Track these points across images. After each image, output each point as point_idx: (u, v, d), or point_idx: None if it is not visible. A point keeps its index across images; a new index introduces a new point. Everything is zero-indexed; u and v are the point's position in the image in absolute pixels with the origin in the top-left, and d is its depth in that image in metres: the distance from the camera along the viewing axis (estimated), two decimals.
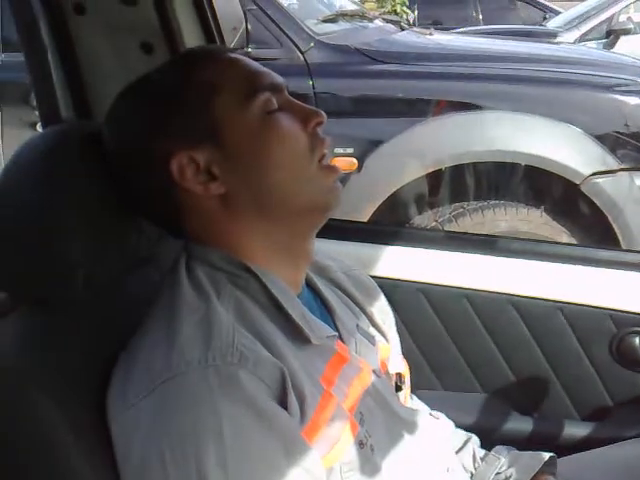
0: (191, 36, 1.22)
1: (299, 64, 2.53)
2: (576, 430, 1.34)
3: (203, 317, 0.73)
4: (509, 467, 1.03)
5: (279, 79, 0.83)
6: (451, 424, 1.08)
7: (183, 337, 0.72)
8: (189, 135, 0.79)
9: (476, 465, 1.04)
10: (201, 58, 0.84)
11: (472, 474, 1.03)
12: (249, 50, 2.33)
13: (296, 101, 0.82)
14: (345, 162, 2.37)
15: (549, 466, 1.04)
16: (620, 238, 2.38)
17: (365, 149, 2.46)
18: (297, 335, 0.78)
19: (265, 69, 0.83)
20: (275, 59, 2.48)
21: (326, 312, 0.87)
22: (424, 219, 2.52)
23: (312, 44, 2.59)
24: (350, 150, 2.43)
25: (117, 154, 0.82)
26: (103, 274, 0.84)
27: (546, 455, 1.04)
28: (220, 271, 0.79)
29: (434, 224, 2.48)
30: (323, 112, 0.81)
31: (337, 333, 0.84)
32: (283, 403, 0.72)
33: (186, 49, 1.15)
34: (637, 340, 1.32)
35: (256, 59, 0.85)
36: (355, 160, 2.43)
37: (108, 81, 1.15)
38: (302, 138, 0.80)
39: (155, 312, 0.78)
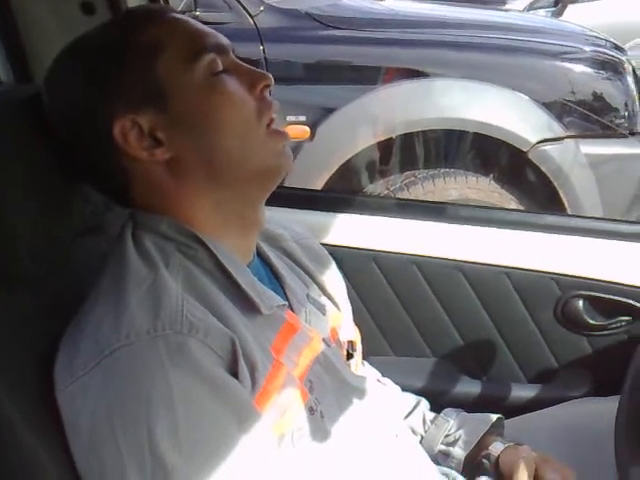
0: None
1: (249, 28, 2.48)
2: (522, 392, 1.37)
3: (151, 287, 0.72)
4: (458, 429, 1.05)
5: (224, 40, 0.81)
6: (398, 389, 1.09)
7: (131, 308, 0.70)
8: (131, 98, 0.76)
9: (426, 428, 1.06)
10: (143, 18, 0.81)
11: (422, 437, 1.06)
12: (197, 13, 2.28)
13: (243, 63, 0.80)
14: (298, 130, 2.35)
15: (497, 427, 1.07)
16: (566, 204, 2.43)
17: (318, 117, 2.44)
18: (247, 305, 0.78)
19: (210, 30, 0.80)
20: (224, 23, 2.43)
21: (276, 281, 0.87)
22: (376, 188, 2.52)
23: (262, 8, 2.54)
24: (302, 118, 2.41)
25: (58, 119, 0.79)
26: (49, 247, 0.81)
27: (494, 417, 1.07)
28: (168, 240, 0.77)
29: (386, 192, 2.49)
30: (270, 75, 0.80)
31: (287, 302, 0.84)
32: (234, 372, 0.71)
33: (127, 9, 1.12)
34: (581, 303, 1.36)
35: (204, 23, 0.83)
36: (308, 128, 2.41)
37: (48, 43, 1.11)
38: (249, 101, 0.78)
39: (102, 283, 0.76)
